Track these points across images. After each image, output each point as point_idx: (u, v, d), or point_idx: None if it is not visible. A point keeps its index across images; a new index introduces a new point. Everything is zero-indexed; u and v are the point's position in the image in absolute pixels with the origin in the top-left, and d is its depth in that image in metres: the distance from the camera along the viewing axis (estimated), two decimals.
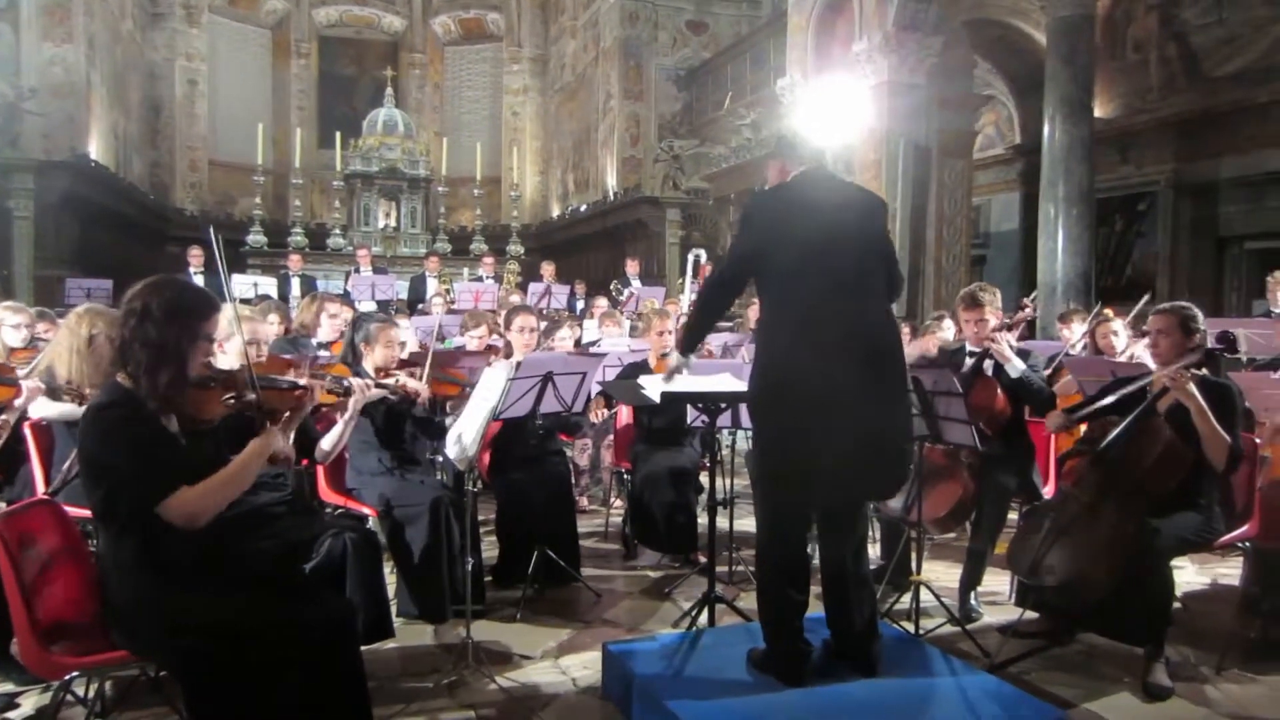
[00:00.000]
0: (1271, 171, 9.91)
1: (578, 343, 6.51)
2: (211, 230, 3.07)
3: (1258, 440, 3.89)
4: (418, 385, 3.87)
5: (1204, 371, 3.39)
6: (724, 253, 3.22)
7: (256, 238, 15.34)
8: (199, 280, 10.38)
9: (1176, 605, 3.63)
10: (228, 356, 3.23)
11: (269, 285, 11.03)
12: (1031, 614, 3.63)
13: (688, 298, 9.85)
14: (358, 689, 2.45)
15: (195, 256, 10.95)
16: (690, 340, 3.29)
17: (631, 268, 11.97)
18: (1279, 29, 9.73)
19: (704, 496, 4.62)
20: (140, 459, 2.26)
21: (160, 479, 2.26)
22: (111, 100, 16.23)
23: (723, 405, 3.65)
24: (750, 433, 3.17)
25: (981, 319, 4.18)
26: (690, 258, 10.30)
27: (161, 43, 19.14)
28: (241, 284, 10.79)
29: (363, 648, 2.62)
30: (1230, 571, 4.48)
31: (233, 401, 2.54)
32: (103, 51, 15.68)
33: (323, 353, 5.31)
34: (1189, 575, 4.47)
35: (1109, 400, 3.58)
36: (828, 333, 2.81)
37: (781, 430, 2.86)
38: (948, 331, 5.53)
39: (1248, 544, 3.65)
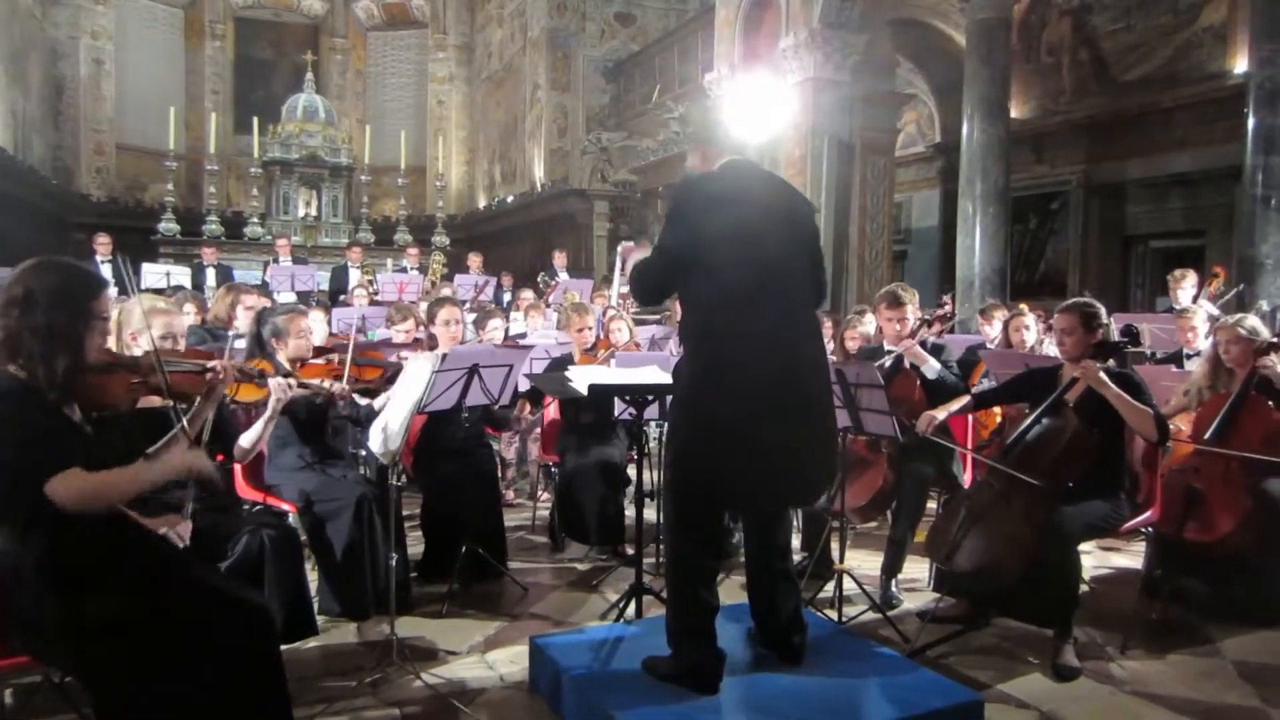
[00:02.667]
0: (1175, 174, 10.37)
1: (506, 334, 6.46)
2: (122, 261, 2.91)
3: None
4: (341, 387, 3.75)
5: (1110, 363, 3.53)
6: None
7: (169, 226, 14.78)
8: (106, 269, 9.98)
9: (1084, 588, 3.77)
10: (141, 348, 3.09)
11: (182, 275, 10.68)
12: (949, 599, 3.74)
13: (616, 290, 9.85)
14: (277, 688, 2.39)
15: (102, 244, 10.50)
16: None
17: (559, 260, 11.92)
18: (1182, 37, 10.17)
19: (631, 489, 4.65)
20: (35, 448, 2.14)
21: (50, 459, 2.14)
22: (10, 79, 15.46)
23: (650, 398, 3.66)
24: (670, 434, 2.96)
25: (903, 318, 4.30)
26: (619, 250, 10.28)
27: (64, 19, 18.29)
28: (153, 273, 10.41)
29: (284, 646, 2.56)
30: (1133, 555, 4.68)
31: (138, 385, 2.44)
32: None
33: (240, 343, 5.15)
34: (1095, 559, 4.65)
35: (1014, 388, 3.82)
36: (769, 333, 2.72)
37: (721, 433, 2.70)
38: (868, 325, 5.62)
39: (1150, 529, 3.81)
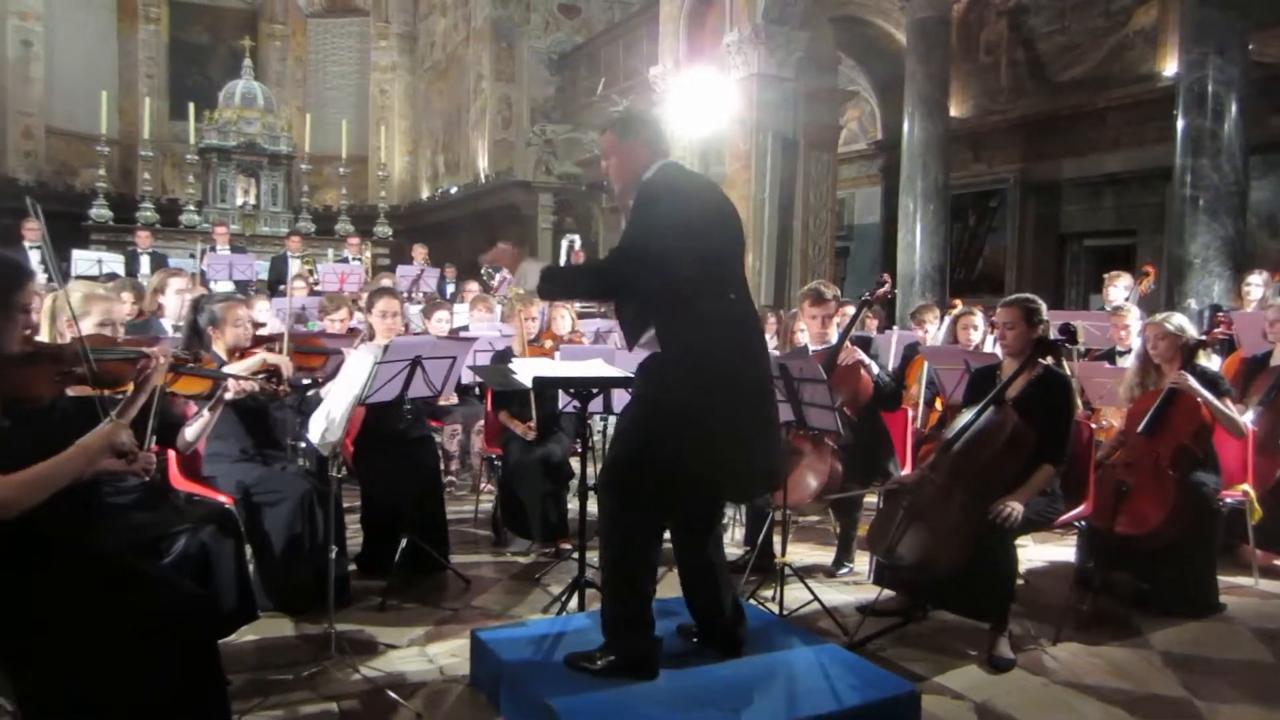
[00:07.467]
0: (1107, 173, 10.64)
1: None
2: (31, 203, 2.78)
3: (1094, 425, 4.17)
4: (284, 384, 3.65)
5: (1049, 360, 3.60)
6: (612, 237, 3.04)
7: (101, 211, 14.32)
8: (35, 255, 9.63)
9: (1020, 581, 3.85)
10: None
11: (115, 262, 10.35)
12: (888, 593, 3.78)
13: None
14: (214, 684, 2.32)
15: (31, 230, 10.12)
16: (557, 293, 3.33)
17: None
18: (1115, 39, 10.44)
19: (575, 483, 4.62)
20: None
21: None
22: None
23: (594, 391, 3.64)
24: (639, 426, 2.87)
25: (828, 315, 4.35)
26: (564, 243, 10.25)
27: None
28: (84, 260, 10.08)
29: (221, 640, 2.49)
30: (1066, 547, 4.79)
31: (65, 376, 2.35)
32: None
33: (176, 334, 5.00)
34: (1030, 552, 4.75)
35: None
36: (747, 329, 2.88)
37: (712, 424, 2.71)
38: None
39: (1083, 523, 3.90)
